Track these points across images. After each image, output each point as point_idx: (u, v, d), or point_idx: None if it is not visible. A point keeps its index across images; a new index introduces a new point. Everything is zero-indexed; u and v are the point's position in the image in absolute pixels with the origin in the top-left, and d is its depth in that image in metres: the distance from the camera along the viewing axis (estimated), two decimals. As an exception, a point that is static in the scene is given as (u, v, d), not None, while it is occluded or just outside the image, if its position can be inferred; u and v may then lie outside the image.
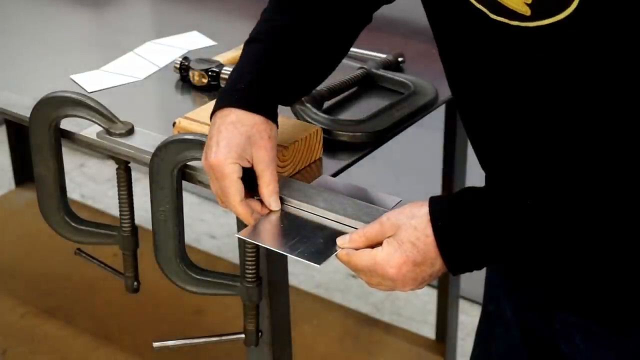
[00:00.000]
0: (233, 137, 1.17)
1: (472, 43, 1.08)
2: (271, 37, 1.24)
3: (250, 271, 1.32)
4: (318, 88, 1.47)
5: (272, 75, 1.22)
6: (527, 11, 1.00)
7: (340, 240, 1.12)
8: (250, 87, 1.20)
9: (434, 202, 1.06)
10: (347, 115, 1.49)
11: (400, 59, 1.65)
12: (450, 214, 1.05)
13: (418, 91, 1.52)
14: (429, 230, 1.05)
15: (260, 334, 1.39)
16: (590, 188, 1.03)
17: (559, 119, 1.05)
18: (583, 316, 1.18)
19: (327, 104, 1.50)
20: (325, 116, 1.42)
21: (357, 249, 1.10)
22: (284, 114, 1.40)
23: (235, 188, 1.17)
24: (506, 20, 1.02)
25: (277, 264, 1.38)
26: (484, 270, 1.26)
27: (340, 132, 1.39)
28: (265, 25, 1.26)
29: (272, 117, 1.20)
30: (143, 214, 1.76)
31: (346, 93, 1.56)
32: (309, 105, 1.43)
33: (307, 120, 1.40)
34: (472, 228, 1.04)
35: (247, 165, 1.18)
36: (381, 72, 1.59)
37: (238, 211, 1.18)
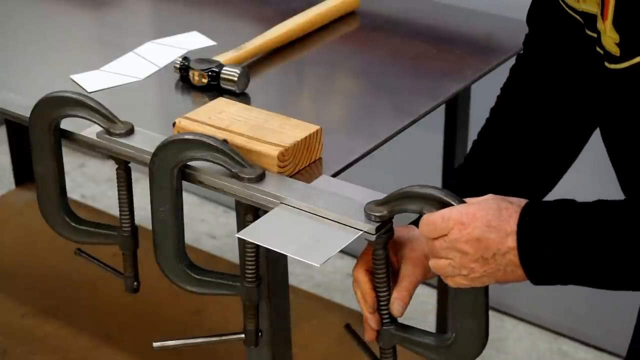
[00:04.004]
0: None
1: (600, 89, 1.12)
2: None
3: (250, 271, 1.32)
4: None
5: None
6: (617, 51, 1.02)
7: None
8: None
9: (529, 203, 1.07)
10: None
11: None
12: (540, 210, 1.05)
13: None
14: (514, 211, 1.05)
15: (260, 334, 1.39)
16: None
17: None
18: None
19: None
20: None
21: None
22: (285, 113, 1.41)
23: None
24: (606, 63, 1.04)
25: (277, 264, 1.38)
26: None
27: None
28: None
29: None
30: (143, 214, 1.76)
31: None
32: None
33: None
34: (555, 229, 1.04)
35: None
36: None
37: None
